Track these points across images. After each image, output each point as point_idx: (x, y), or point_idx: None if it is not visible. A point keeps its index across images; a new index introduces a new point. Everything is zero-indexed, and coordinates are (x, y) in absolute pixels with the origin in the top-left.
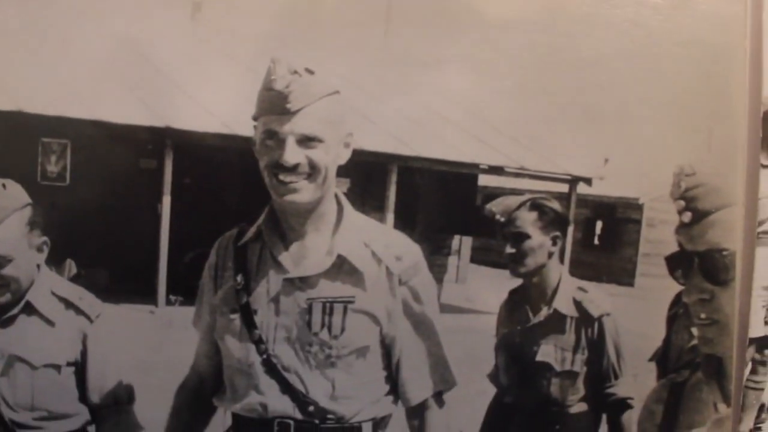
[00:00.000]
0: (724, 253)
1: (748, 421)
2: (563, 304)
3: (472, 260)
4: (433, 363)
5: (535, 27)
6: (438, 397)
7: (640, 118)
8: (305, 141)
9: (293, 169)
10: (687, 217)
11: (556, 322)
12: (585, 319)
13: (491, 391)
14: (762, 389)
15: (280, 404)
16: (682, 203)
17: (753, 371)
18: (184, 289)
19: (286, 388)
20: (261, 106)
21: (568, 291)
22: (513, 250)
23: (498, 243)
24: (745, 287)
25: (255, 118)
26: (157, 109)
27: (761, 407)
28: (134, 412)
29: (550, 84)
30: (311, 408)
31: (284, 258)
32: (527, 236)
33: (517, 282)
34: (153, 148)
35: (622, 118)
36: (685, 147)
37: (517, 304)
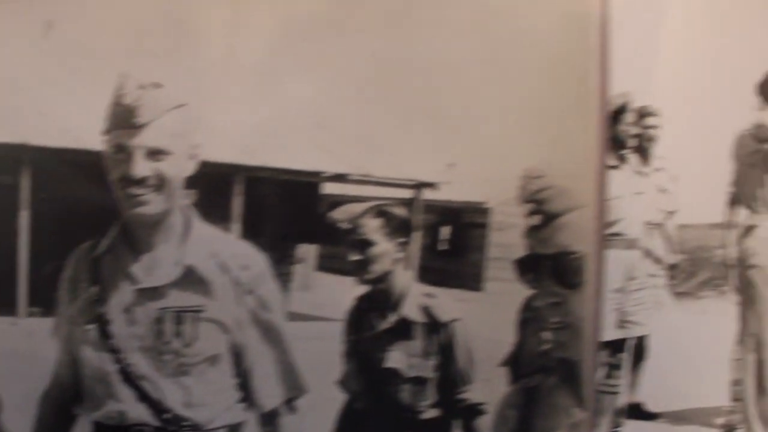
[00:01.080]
0: (575, 256)
1: (604, 426)
2: (411, 310)
3: (318, 268)
4: (282, 370)
5: (376, 32)
6: (289, 403)
7: (485, 121)
8: (153, 154)
9: (142, 181)
10: (536, 219)
11: (405, 328)
12: (434, 324)
13: (342, 397)
14: (617, 393)
15: (138, 412)
16: (531, 206)
17: (607, 375)
18: (45, 301)
19: (143, 396)
20: (111, 121)
21: (415, 297)
22: (358, 257)
23: (343, 250)
24: (596, 290)
25: (105, 133)
26: (13, 127)
27: (617, 411)
28: (2, 421)
29: (392, 89)
30: (167, 415)
31: (136, 269)
32: (372, 243)
33: (364, 289)
34: (10, 164)
35: (467, 122)
36: (533, 149)
37: (364, 310)
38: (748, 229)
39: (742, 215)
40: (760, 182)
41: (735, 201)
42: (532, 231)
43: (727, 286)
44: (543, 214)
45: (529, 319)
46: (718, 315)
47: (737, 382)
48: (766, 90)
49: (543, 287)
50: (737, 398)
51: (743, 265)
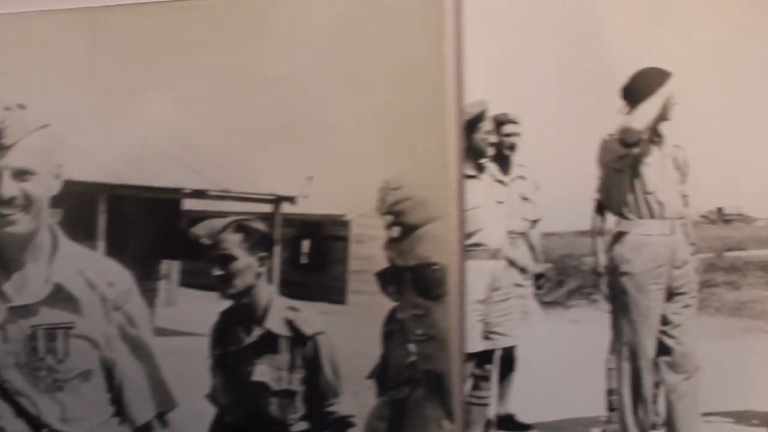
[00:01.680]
0: (435, 267)
1: None
2: (275, 323)
3: (182, 284)
4: (152, 385)
5: (230, 46)
6: (161, 417)
7: (342, 133)
8: (20, 174)
9: (9, 202)
10: (395, 231)
11: (270, 341)
12: (298, 338)
13: (212, 410)
14: (486, 404)
15: (16, 427)
16: (390, 218)
17: (475, 387)
18: None
19: (20, 411)
20: None
21: (279, 310)
22: (221, 272)
23: (205, 266)
24: (459, 302)
25: None
26: None
27: (487, 423)
28: None
29: (249, 104)
30: (44, 430)
31: (7, 287)
32: (234, 258)
33: (228, 303)
34: None
35: (324, 135)
36: (390, 160)
37: (229, 325)
38: (618, 236)
39: (611, 222)
40: (629, 187)
41: (603, 207)
42: (392, 243)
43: (597, 295)
44: (402, 225)
45: (394, 331)
46: (590, 324)
47: (613, 392)
48: (630, 93)
49: (405, 299)
50: (613, 408)
51: (614, 272)
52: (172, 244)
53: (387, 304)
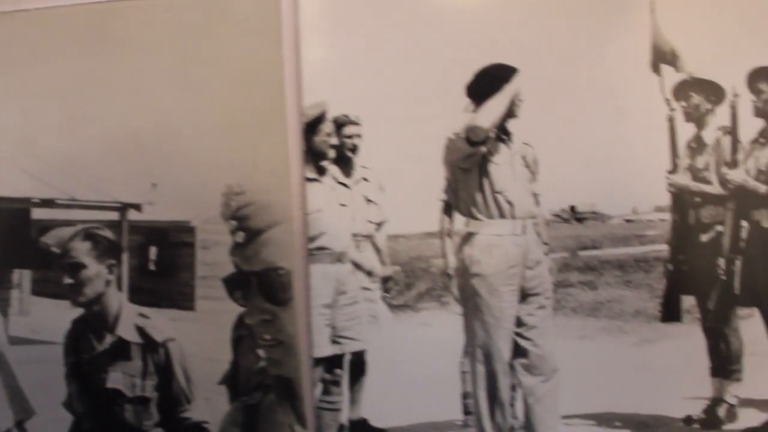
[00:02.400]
0: (281, 272)
1: None
2: (126, 331)
3: (34, 292)
4: (10, 393)
5: (74, 56)
6: (20, 426)
7: (185, 139)
8: None
9: None
10: (240, 237)
11: (122, 349)
12: (149, 344)
13: (69, 418)
14: (338, 410)
15: None
16: (234, 223)
17: (325, 391)
18: None
19: None
20: None
21: (129, 318)
22: (71, 281)
23: (56, 274)
24: (305, 306)
25: None
26: None
27: (340, 428)
28: None
29: (94, 112)
30: None
31: None
32: (83, 266)
33: (80, 311)
34: None
35: (168, 141)
36: (233, 165)
37: (81, 333)
38: (467, 237)
39: (460, 223)
40: (477, 187)
41: (450, 208)
42: (238, 248)
43: (448, 297)
44: (246, 230)
45: (243, 336)
46: (442, 327)
47: (468, 395)
48: (476, 91)
49: (253, 304)
50: (469, 411)
51: (465, 274)
52: (22, 253)
53: (235, 309)
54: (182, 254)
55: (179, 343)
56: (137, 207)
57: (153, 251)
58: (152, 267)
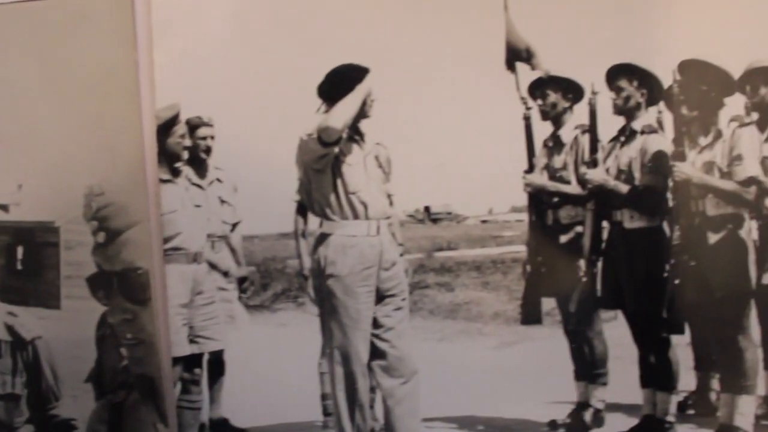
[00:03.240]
0: (139, 271)
1: None
2: None
3: None
4: None
5: None
6: None
7: (48, 141)
8: None
9: None
10: (101, 237)
11: None
12: (18, 342)
13: None
14: (198, 408)
15: None
16: (95, 224)
17: (185, 391)
18: None
19: None
20: None
21: None
22: None
23: None
24: (162, 305)
25: None
26: None
27: (201, 427)
28: None
29: None
30: None
31: None
32: None
33: None
34: None
35: (32, 143)
36: (93, 167)
37: None
38: (322, 238)
39: (314, 223)
40: (331, 188)
41: (304, 209)
42: (99, 248)
43: (304, 298)
44: (106, 231)
45: (106, 335)
46: (299, 327)
47: (327, 396)
48: (327, 91)
49: (115, 304)
50: (329, 413)
51: (320, 275)
52: None
53: (99, 308)
54: (48, 254)
55: (46, 341)
56: (4, 207)
57: (20, 251)
58: (19, 266)
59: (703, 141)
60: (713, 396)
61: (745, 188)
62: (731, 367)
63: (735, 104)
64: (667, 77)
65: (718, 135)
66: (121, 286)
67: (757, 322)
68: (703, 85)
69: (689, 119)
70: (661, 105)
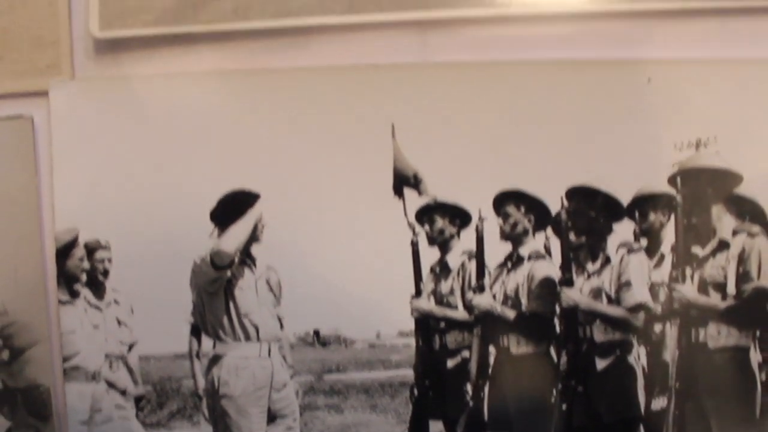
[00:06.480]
0: (41, 389)
1: None
2: None
3: None
4: None
5: None
6: None
7: None
8: None
9: None
10: (5, 355)
11: None
12: None
13: None
14: None
15: None
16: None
17: None
18: None
19: None
20: None
21: None
22: None
23: None
24: (63, 422)
25: None
26: None
27: None
28: None
29: None
30: None
31: None
32: None
33: None
34: None
35: None
36: None
37: None
38: (215, 359)
39: (208, 345)
40: (223, 310)
41: (198, 330)
42: (3, 366)
43: (199, 417)
44: (10, 349)
45: None
46: None
47: None
48: (219, 216)
49: (18, 419)
50: None
51: (214, 395)
52: None
53: (4, 423)
54: None
55: None
56: None
57: None
58: None
59: (591, 267)
60: None
61: (634, 314)
62: None
63: (624, 230)
64: (555, 203)
65: (606, 261)
66: (25, 403)
67: None
68: (591, 211)
69: (577, 245)
70: (549, 231)
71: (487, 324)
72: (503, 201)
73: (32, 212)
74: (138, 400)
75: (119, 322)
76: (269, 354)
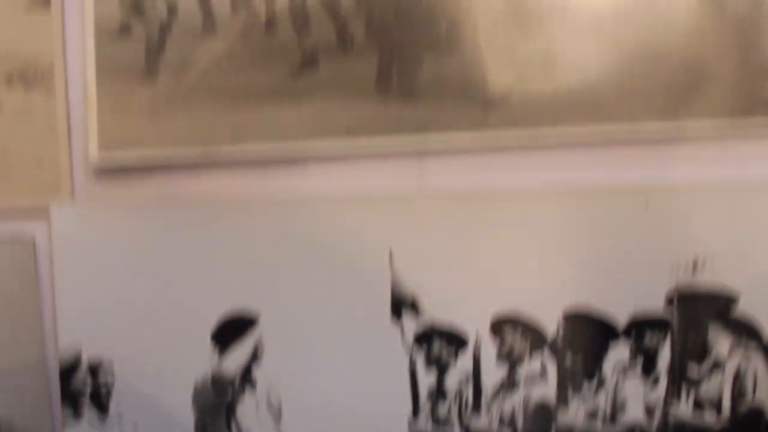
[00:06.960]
0: None
1: None
2: None
3: None
4: None
5: None
6: None
7: None
8: None
9: None
10: None
11: None
12: None
13: None
14: None
15: None
16: None
17: None
18: None
19: None
20: None
21: None
22: None
23: None
24: None
25: None
26: None
27: None
28: None
29: None
30: None
31: None
32: None
33: None
34: None
35: None
36: (3, 403)
37: None
38: None
39: None
40: (225, 430)
41: None
42: None
43: None
44: None
45: None
46: None
47: None
48: (219, 338)
49: None
50: None
51: None
52: None
53: None
54: None
55: None
56: None
57: None
58: None
59: (586, 387)
60: None
61: None
62: None
63: (619, 350)
64: (551, 325)
65: (602, 381)
66: None
67: None
68: (587, 332)
69: (573, 366)
70: (546, 352)
71: None
72: (500, 323)
73: (36, 334)
74: None
75: None
76: None
